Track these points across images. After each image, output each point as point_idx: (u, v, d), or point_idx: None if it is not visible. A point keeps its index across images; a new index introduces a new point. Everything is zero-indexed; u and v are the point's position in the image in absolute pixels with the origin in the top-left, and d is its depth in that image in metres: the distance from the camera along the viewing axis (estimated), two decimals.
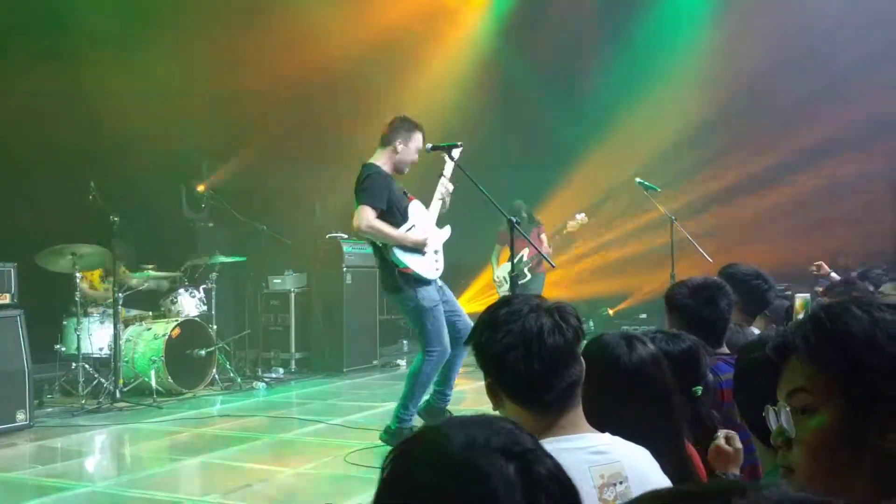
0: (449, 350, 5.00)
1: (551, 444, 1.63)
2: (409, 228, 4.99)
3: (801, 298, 2.98)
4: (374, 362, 8.97)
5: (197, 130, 8.99)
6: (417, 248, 4.95)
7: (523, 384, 1.64)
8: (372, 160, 5.06)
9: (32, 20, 7.72)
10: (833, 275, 6.15)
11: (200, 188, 9.43)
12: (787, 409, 1.13)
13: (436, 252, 5.09)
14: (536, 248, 5.69)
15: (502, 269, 8.60)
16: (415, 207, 5.11)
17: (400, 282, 4.94)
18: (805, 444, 1.11)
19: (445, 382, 5.17)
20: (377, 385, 7.95)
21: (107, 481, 4.55)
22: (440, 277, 5.16)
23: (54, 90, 7.90)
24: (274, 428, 5.83)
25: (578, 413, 1.68)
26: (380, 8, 9.90)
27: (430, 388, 5.15)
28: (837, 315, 1.11)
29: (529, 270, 8.45)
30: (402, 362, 9.36)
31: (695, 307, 2.73)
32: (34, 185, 7.97)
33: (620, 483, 1.60)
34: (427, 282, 4.98)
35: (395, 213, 4.96)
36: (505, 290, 8.54)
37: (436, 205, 5.20)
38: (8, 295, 5.87)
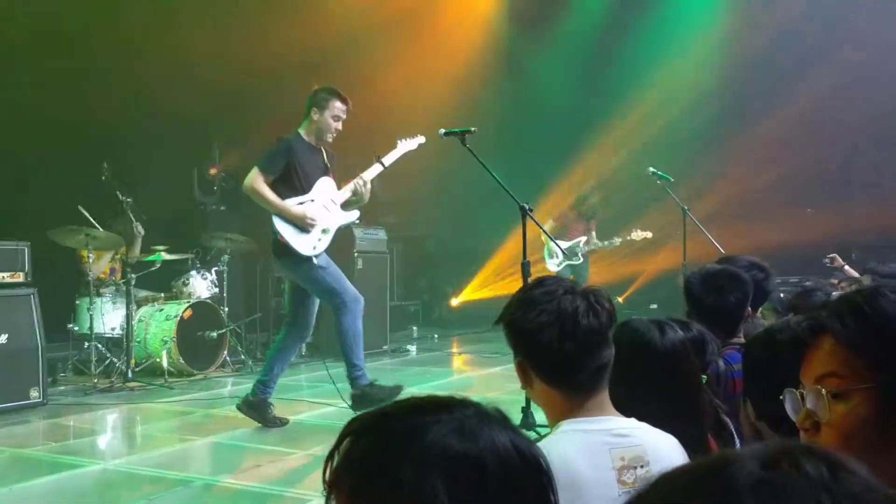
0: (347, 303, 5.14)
1: (573, 425, 1.64)
2: (303, 202, 5.06)
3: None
4: (385, 347, 8.99)
5: (210, 113, 9.01)
6: (297, 222, 5.01)
7: (555, 364, 1.65)
8: (297, 130, 5.22)
9: (49, 6, 7.73)
10: (847, 268, 6.12)
11: (212, 171, 9.46)
12: (819, 391, 1.12)
13: (324, 232, 5.13)
14: (550, 237, 5.72)
15: (563, 244, 8.75)
16: (323, 184, 5.18)
17: (278, 250, 5.12)
18: (835, 427, 1.10)
19: (270, 373, 5.31)
20: (387, 370, 7.97)
21: (118, 459, 4.59)
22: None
23: (67, 71, 7.93)
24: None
25: (605, 396, 1.69)
26: None
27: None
28: (873, 298, 1.10)
29: (581, 255, 8.73)
30: (413, 348, 9.40)
31: (700, 295, 2.74)
32: (48, 165, 8.01)
33: (641, 467, 1.60)
34: (299, 257, 5.04)
35: (293, 182, 5.05)
36: (555, 262, 8.69)
37: (345, 191, 5.26)
38: (22, 274, 5.92)
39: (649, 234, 8.63)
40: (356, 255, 8.68)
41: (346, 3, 9.44)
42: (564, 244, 8.58)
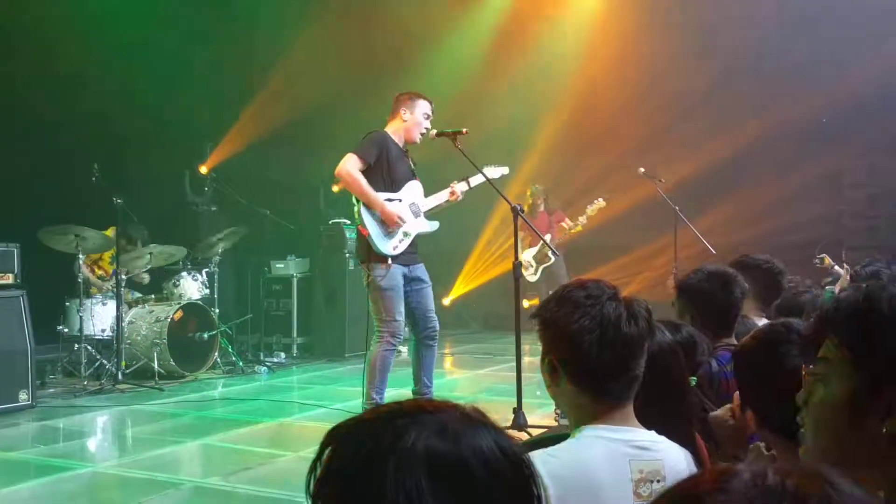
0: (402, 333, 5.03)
1: (596, 431, 1.63)
2: (392, 200, 4.94)
3: (828, 291, 2.99)
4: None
5: (201, 114, 8.99)
6: (385, 219, 4.87)
7: (591, 369, 1.63)
8: (385, 130, 5.11)
9: (38, 6, 7.69)
10: (836, 268, 6.13)
11: (203, 169, 9.43)
12: (805, 372, 1.16)
13: (406, 235, 4.98)
14: (540, 236, 5.73)
15: (528, 254, 8.79)
16: (411, 187, 5.08)
17: (359, 247, 5.02)
18: (810, 411, 1.14)
19: (417, 380, 5.15)
20: None
21: (108, 462, 4.58)
22: (415, 266, 5.08)
23: (58, 72, 7.90)
24: (275, 412, 5.85)
25: (630, 408, 1.68)
26: None
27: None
28: (871, 293, 1.12)
29: (552, 254, 8.53)
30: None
31: (709, 292, 2.73)
32: (38, 166, 7.97)
33: (658, 481, 1.59)
34: (378, 255, 4.88)
35: (380, 176, 4.92)
36: (531, 272, 8.67)
37: (436, 198, 5.16)
38: (11, 275, 5.89)
39: (602, 202, 8.45)
40: (348, 255, 8.66)
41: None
42: (532, 250, 8.84)
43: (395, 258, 4.90)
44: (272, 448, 4.89)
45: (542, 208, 9.18)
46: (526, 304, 7.71)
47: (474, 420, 0.87)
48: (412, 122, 5.06)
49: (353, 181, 4.82)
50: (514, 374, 4.66)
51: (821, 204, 9.19)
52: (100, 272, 7.62)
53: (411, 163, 5.17)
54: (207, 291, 7.78)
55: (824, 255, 6.29)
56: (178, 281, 7.70)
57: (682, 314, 2.77)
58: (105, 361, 6.94)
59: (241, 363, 7.66)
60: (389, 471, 0.81)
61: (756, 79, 9.39)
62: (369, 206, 4.86)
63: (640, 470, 1.59)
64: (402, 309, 4.95)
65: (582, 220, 8.62)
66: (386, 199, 4.90)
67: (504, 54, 10.78)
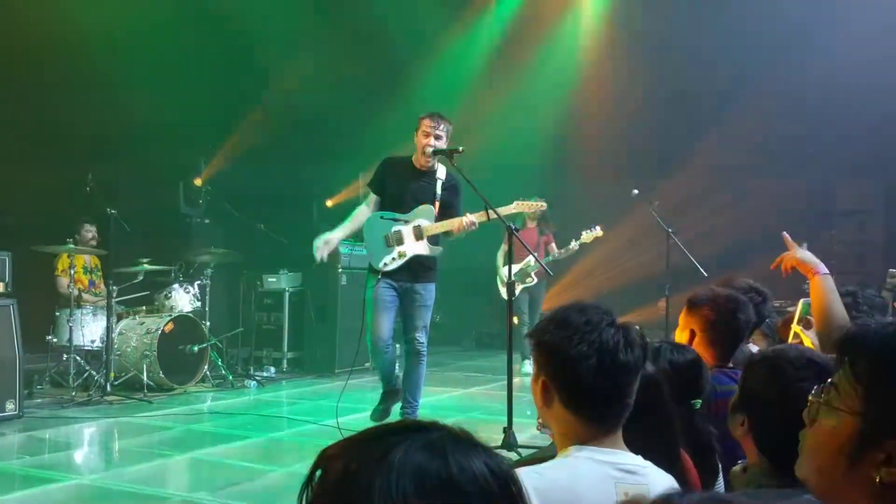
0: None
1: (585, 452, 1.63)
2: (398, 219, 5.21)
3: (801, 303, 2.93)
4: (367, 364, 8.93)
5: (196, 126, 9.01)
6: (374, 238, 5.23)
7: (585, 395, 1.63)
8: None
9: (35, 18, 7.70)
10: None
11: (198, 181, 9.43)
12: (816, 394, 1.14)
13: (401, 255, 5.17)
14: (535, 257, 5.73)
15: (506, 270, 8.48)
16: (422, 211, 5.23)
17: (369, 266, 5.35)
18: (812, 433, 1.13)
19: (402, 398, 5.37)
20: (368, 387, 7.92)
21: (94, 474, 4.54)
22: (409, 281, 5.25)
23: (54, 82, 7.90)
24: (264, 427, 5.82)
25: (619, 433, 1.68)
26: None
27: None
28: (886, 334, 1.10)
29: (536, 275, 8.45)
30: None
31: (716, 318, 2.71)
32: (32, 175, 7.95)
33: None
34: (370, 267, 5.25)
35: (385, 197, 5.28)
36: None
37: (442, 225, 5.23)
38: (2, 283, 5.87)
39: (599, 232, 8.06)
40: (340, 271, 8.66)
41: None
42: (515, 267, 8.44)
43: (385, 274, 5.15)
44: (261, 463, 4.86)
45: (534, 224, 8.77)
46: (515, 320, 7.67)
47: (462, 439, 0.88)
48: (417, 141, 5.22)
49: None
50: (505, 393, 4.65)
51: (810, 229, 9.24)
52: (79, 285, 7.55)
53: (439, 185, 5.25)
54: (199, 304, 7.76)
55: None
56: (170, 293, 7.67)
57: (685, 329, 2.75)
58: (94, 372, 6.90)
59: (230, 377, 7.63)
60: (376, 489, 0.81)
61: (749, 101, 9.46)
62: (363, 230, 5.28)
63: (626, 493, 1.59)
64: (383, 322, 5.20)
65: (574, 245, 8.24)
66: (391, 219, 5.21)
67: (503, 72, 10.86)
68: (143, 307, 7.80)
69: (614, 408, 1.65)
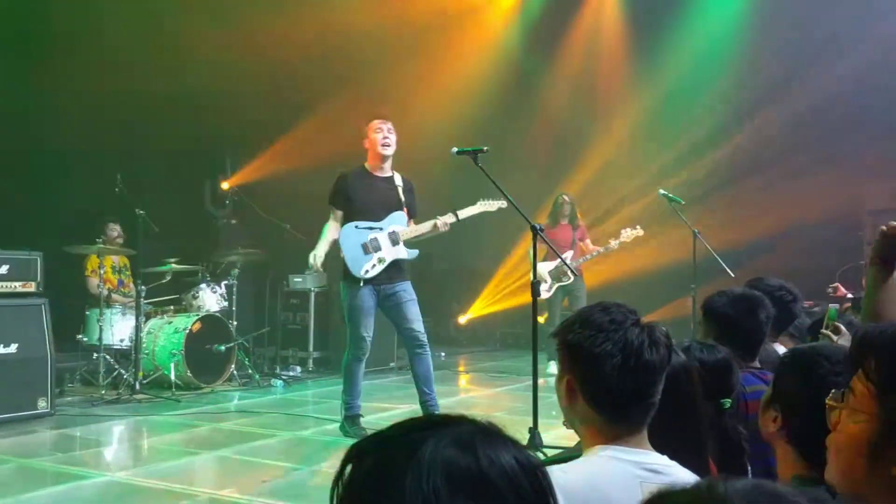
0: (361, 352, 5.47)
1: (609, 451, 1.63)
2: (373, 228, 5.44)
3: (830, 308, 2.89)
4: (392, 364, 8.98)
5: (223, 127, 9.08)
6: (352, 247, 5.39)
7: (611, 394, 1.63)
8: (362, 164, 5.62)
9: (60, 21, 7.81)
10: (850, 296, 6.07)
11: (225, 185, 9.52)
12: (836, 398, 1.16)
13: (380, 261, 5.41)
14: (558, 255, 5.70)
15: (544, 266, 8.26)
16: (395, 217, 5.50)
17: (341, 274, 5.53)
18: (834, 437, 1.14)
19: (420, 391, 5.49)
20: (394, 387, 7.97)
21: (124, 471, 4.60)
22: (386, 283, 5.44)
23: (82, 87, 8.01)
24: (290, 425, 5.87)
25: (645, 433, 1.68)
26: (407, 6, 9.95)
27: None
28: None
29: (571, 273, 8.34)
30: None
31: (734, 317, 2.68)
32: (63, 177, 8.08)
33: None
34: (350, 277, 5.38)
35: (351, 211, 5.46)
36: (545, 288, 8.37)
37: (418, 229, 5.54)
38: (34, 283, 5.95)
39: (640, 231, 8.04)
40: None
41: (360, 24, 9.51)
42: (550, 265, 8.32)
43: (367, 280, 5.36)
44: (287, 461, 4.90)
45: (566, 220, 8.66)
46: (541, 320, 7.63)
47: (491, 433, 0.88)
48: (371, 144, 5.51)
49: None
50: (531, 394, 4.65)
51: (842, 229, 9.11)
52: (108, 284, 7.65)
53: (400, 191, 5.54)
54: (226, 304, 7.83)
55: (837, 284, 6.23)
56: (198, 293, 7.75)
57: (707, 336, 2.73)
58: (123, 371, 7.00)
59: (257, 376, 7.69)
60: (407, 484, 0.82)
61: (783, 102, 9.38)
62: (340, 240, 5.44)
63: (651, 493, 1.59)
64: (369, 326, 5.43)
65: (613, 244, 8.15)
66: (367, 228, 5.44)
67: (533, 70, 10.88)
68: (171, 307, 7.89)
69: (639, 407, 1.65)
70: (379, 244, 5.42)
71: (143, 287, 7.09)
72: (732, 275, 6.19)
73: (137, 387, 6.77)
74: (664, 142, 10.33)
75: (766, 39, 9.53)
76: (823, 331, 2.76)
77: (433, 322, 12.62)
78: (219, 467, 4.85)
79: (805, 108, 9.15)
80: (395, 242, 5.46)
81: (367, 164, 5.58)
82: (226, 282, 7.92)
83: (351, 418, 5.45)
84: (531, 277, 4.73)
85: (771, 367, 2.67)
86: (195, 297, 7.76)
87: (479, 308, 12.02)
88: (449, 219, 5.54)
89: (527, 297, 8.60)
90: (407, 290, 5.48)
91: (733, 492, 0.75)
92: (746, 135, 9.88)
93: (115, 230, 7.75)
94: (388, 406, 6.65)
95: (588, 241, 8.65)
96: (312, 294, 8.93)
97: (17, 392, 5.71)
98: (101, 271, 7.34)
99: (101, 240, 7.19)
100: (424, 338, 5.47)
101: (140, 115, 8.45)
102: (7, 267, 5.80)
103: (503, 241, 10.43)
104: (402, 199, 5.54)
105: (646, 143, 10.57)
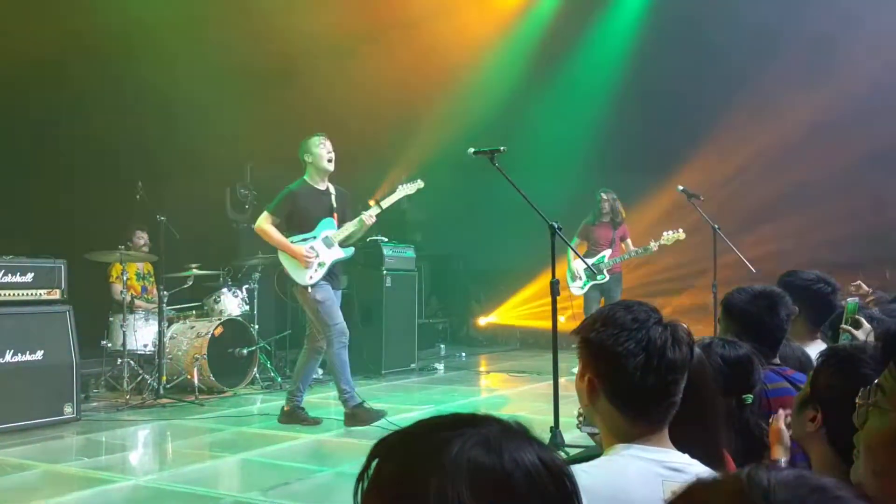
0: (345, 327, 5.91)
1: (630, 450, 1.62)
2: (306, 239, 5.84)
3: (849, 302, 2.82)
4: (412, 365, 9.00)
5: (243, 132, 9.14)
6: (296, 258, 5.80)
7: (633, 392, 1.63)
8: (302, 177, 6.00)
9: (83, 29, 7.88)
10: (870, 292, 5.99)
11: (243, 191, 9.57)
12: (862, 396, 1.15)
13: (321, 265, 5.84)
14: (581, 258, 5.70)
15: (579, 264, 8.20)
16: (325, 224, 5.94)
17: (288, 279, 5.96)
18: (863, 436, 1.14)
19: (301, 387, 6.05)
20: (415, 387, 7.98)
21: (149, 475, 4.64)
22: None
23: (103, 90, 8.09)
24: (313, 428, 5.89)
25: (666, 431, 1.68)
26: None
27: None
28: None
29: (608, 272, 8.29)
30: (440, 366, 9.39)
31: (754, 314, 2.64)
32: (84, 184, 8.16)
33: None
34: (298, 286, 5.86)
35: (297, 223, 5.89)
36: (578, 285, 8.33)
37: (346, 229, 5.95)
38: (58, 291, 6.02)
39: (682, 235, 7.98)
40: (385, 272, 8.72)
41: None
42: (588, 261, 8.11)
43: (323, 278, 5.81)
44: (310, 463, 4.92)
45: (607, 219, 8.54)
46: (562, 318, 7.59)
47: (517, 433, 0.88)
48: (315, 159, 5.92)
49: (266, 235, 5.90)
50: (552, 393, 4.64)
51: (866, 223, 9.03)
52: (131, 291, 7.73)
53: (333, 198, 6.00)
54: (247, 307, 7.88)
55: (859, 282, 6.16)
56: (219, 297, 7.81)
57: (727, 333, 2.70)
58: (147, 376, 7.06)
59: (279, 379, 7.73)
60: (432, 483, 0.82)
61: (806, 97, 9.31)
62: (283, 251, 5.86)
63: (673, 491, 1.58)
64: (340, 312, 5.91)
65: (653, 246, 8.06)
66: (301, 240, 5.85)
67: (546, 69, 10.85)
68: (193, 311, 7.95)
69: (661, 405, 1.64)
70: (316, 251, 5.83)
71: (165, 292, 7.15)
72: (754, 270, 6.16)
73: (161, 391, 6.83)
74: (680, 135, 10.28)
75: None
76: (843, 326, 2.72)
77: (453, 322, 12.67)
78: (242, 470, 4.88)
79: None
80: (329, 245, 5.90)
81: (308, 180, 5.96)
82: (247, 286, 7.97)
83: (359, 405, 5.79)
84: (576, 275, 4.74)
85: (793, 365, 2.65)
86: (217, 302, 7.82)
87: (505, 314, 12.00)
88: (374, 211, 5.98)
89: (566, 321, 8.64)
90: (339, 301, 6.03)
91: (776, 483, 0.73)
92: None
93: (142, 238, 7.85)
94: (408, 407, 6.66)
95: (629, 240, 8.51)
96: None
97: (43, 398, 5.78)
98: (125, 277, 7.41)
99: (123, 247, 7.26)
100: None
101: (161, 122, 8.52)
102: (32, 275, 5.88)
103: (526, 242, 10.40)
104: (335, 206, 5.98)
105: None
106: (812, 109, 9.19)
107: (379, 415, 5.72)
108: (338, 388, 5.89)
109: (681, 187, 6.75)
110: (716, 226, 6.42)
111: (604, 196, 8.60)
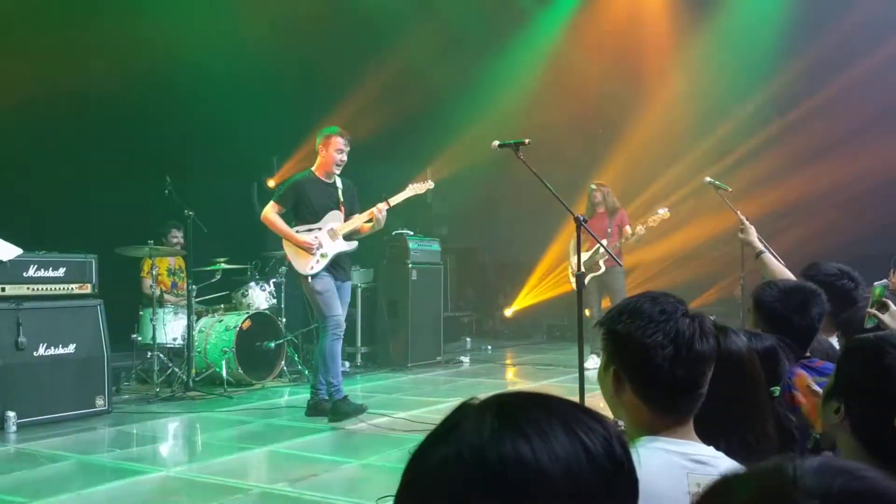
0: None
1: (655, 443, 1.62)
2: (312, 230, 5.91)
3: (876, 286, 2.72)
4: (438, 358, 9.03)
5: (269, 126, 9.20)
6: (299, 247, 5.87)
7: (660, 384, 1.62)
8: (310, 168, 6.09)
9: (105, 26, 7.96)
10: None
11: (271, 183, 9.64)
12: None
13: (322, 256, 5.90)
14: (602, 245, 5.64)
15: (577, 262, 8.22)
16: (331, 216, 6.01)
17: (290, 267, 6.03)
18: None
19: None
20: (440, 380, 8.01)
21: (179, 467, 4.70)
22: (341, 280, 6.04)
23: (130, 87, 8.17)
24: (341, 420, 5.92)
25: (691, 423, 1.67)
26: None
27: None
28: None
29: (605, 263, 8.20)
30: (466, 359, 9.40)
31: (784, 312, 2.54)
32: (113, 179, 8.26)
33: None
34: (299, 275, 5.90)
35: (302, 213, 5.96)
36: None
37: (352, 222, 6.02)
38: (89, 285, 6.11)
39: (666, 213, 7.85)
40: (410, 266, 8.75)
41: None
42: (584, 256, 8.15)
43: (325, 269, 5.87)
44: (337, 455, 4.96)
45: (601, 209, 8.43)
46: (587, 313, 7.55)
47: (565, 420, 0.88)
48: (327, 157, 5.97)
49: (271, 224, 5.98)
50: (577, 386, 4.63)
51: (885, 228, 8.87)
52: (161, 286, 7.82)
53: (340, 192, 6.06)
54: (275, 301, 7.94)
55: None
56: (247, 291, 7.88)
57: (755, 327, 2.63)
58: (176, 369, 7.15)
59: (306, 372, 7.78)
60: (468, 478, 0.81)
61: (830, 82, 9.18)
62: (287, 239, 5.93)
63: (698, 483, 1.57)
64: (339, 305, 5.94)
65: (640, 230, 7.97)
66: (307, 230, 5.92)
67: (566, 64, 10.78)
68: (222, 305, 8.03)
69: (688, 397, 1.63)
70: (319, 242, 5.89)
71: (193, 286, 7.23)
72: (782, 262, 6.07)
73: (191, 384, 6.92)
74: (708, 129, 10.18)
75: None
76: (869, 309, 2.66)
77: (481, 316, 12.68)
78: (270, 462, 4.93)
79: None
80: (333, 238, 5.96)
81: (315, 171, 6.03)
82: (274, 279, 8.04)
83: (343, 399, 5.81)
84: (575, 269, 4.70)
85: (821, 356, 2.61)
86: (244, 296, 7.89)
87: (524, 300, 12.00)
88: (382, 206, 6.00)
89: (568, 287, 8.60)
90: (348, 293, 6.17)
91: (803, 471, 0.72)
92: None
93: (176, 236, 7.96)
94: (434, 399, 6.68)
95: (628, 227, 8.29)
96: (359, 290, 8.99)
97: (75, 391, 5.88)
98: (155, 272, 7.50)
99: (153, 241, 7.34)
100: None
101: (189, 117, 8.60)
102: (64, 269, 5.97)
103: (544, 233, 10.41)
104: (342, 199, 6.04)
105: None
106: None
107: (361, 409, 5.84)
108: (323, 379, 5.92)
109: (708, 179, 6.67)
110: (743, 217, 6.34)
111: (592, 187, 8.59)
